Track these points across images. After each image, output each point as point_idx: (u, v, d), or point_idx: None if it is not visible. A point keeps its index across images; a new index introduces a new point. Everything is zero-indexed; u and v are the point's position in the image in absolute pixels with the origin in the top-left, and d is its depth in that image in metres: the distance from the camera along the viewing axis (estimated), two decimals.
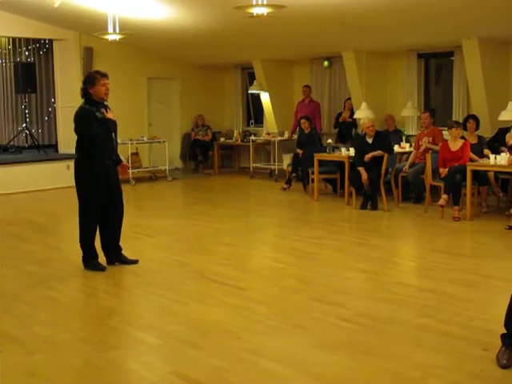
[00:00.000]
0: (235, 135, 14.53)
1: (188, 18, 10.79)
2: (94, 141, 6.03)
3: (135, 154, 13.16)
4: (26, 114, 14.74)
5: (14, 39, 14.70)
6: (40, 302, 5.32)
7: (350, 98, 12.47)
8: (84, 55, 12.95)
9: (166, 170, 13.32)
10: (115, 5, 9.39)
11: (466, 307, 4.98)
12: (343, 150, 10.32)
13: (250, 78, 14.79)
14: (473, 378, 3.70)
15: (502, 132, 9.90)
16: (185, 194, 12.46)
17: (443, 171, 8.84)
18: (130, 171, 12.03)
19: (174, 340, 4.38)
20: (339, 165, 10.51)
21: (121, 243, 6.41)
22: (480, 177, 8.79)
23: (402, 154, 10.72)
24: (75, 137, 6.18)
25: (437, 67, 12.80)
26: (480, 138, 9.78)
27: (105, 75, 6.10)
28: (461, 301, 5.16)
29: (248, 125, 15.28)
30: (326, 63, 13.33)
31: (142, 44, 13.10)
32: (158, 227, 8.47)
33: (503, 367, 3.78)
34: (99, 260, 6.29)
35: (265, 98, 13.98)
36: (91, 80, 6.08)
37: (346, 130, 12.46)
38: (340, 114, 12.64)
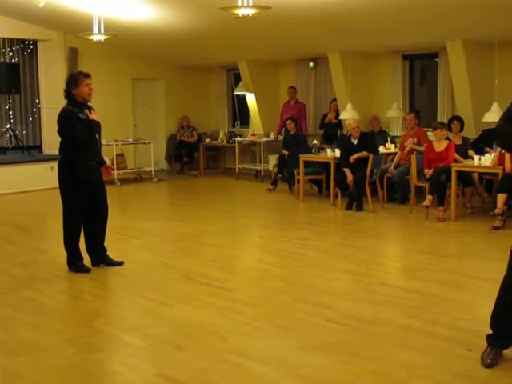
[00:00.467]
0: (221, 136, 14.51)
1: (173, 19, 10.77)
2: (77, 142, 5.99)
3: (120, 155, 13.11)
4: (10, 114, 14.60)
5: None
6: (24, 305, 5.28)
7: (335, 99, 12.49)
8: (69, 56, 12.90)
9: (151, 172, 13.28)
10: (100, 5, 9.35)
11: (451, 308, 5.00)
12: (329, 151, 10.33)
13: (236, 79, 14.78)
14: (458, 378, 3.71)
15: (487, 133, 9.97)
16: (170, 195, 12.43)
17: (428, 172, 8.88)
18: (116, 172, 12.02)
19: (159, 342, 4.36)
20: (325, 166, 10.53)
21: (106, 245, 6.39)
22: (464, 178, 8.83)
23: (387, 154, 10.74)
24: (59, 138, 6.15)
25: (422, 68, 12.86)
26: (464, 139, 9.84)
27: (88, 75, 6.07)
28: (446, 301, 5.18)
29: (234, 126, 15.28)
30: (311, 64, 13.35)
31: (127, 45, 13.06)
32: (144, 228, 8.44)
33: (487, 366, 3.80)
34: (84, 262, 6.26)
35: (250, 99, 13.98)
36: (74, 81, 6.04)
37: (332, 131, 12.48)
38: (325, 115, 12.66)
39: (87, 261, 6.29)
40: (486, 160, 8.46)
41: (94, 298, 5.57)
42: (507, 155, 7.90)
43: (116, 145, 12.71)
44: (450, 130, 9.67)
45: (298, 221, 9.30)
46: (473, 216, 8.90)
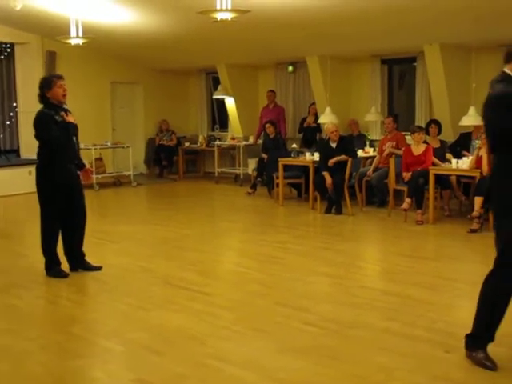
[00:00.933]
0: (200, 140, 14.49)
1: (151, 23, 10.73)
2: (54, 145, 5.94)
3: (99, 160, 13.04)
4: None
5: None
6: (0, 310, 5.22)
7: (314, 103, 12.53)
8: (46, 59, 12.80)
9: (130, 176, 13.21)
10: (78, 8, 9.30)
11: (429, 309, 5.03)
12: (308, 154, 10.36)
13: (215, 82, 14.77)
14: (436, 380, 3.73)
15: (464, 136, 10.06)
16: (149, 199, 12.38)
17: (406, 175, 8.93)
18: (94, 177, 11.92)
19: (137, 347, 4.33)
20: (304, 169, 10.56)
21: (84, 249, 6.33)
22: (442, 181, 8.90)
23: (366, 158, 10.79)
24: (37, 142, 6.09)
25: (400, 73, 12.95)
26: (442, 142, 9.91)
27: (61, 77, 6.05)
28: (423, 303, 5.20)
29: (213, 130, 15.25)
30: (290, 68, 13.37)
31: (106, 48, 12.99)
32: (122, 233, 8.39)
33: (493, 370, 3.77)
34: (62, 266, 6.20)
35: (229, 102, 13.97)
36: (47, 83, 6.01)
37: (311, 135, 12.51)
38: (304, 119, 12.70)
39: (66, 265, 6.24)
40: (464, 163, 8.53)
41: (72, 303, 5.52)
42: (484, 158, 7.97)
43: (94, 149, 12.64)
44: (427, 133, 9.74)
45: (277, 224, 9.30)
46: (450, 219, 8.97)
